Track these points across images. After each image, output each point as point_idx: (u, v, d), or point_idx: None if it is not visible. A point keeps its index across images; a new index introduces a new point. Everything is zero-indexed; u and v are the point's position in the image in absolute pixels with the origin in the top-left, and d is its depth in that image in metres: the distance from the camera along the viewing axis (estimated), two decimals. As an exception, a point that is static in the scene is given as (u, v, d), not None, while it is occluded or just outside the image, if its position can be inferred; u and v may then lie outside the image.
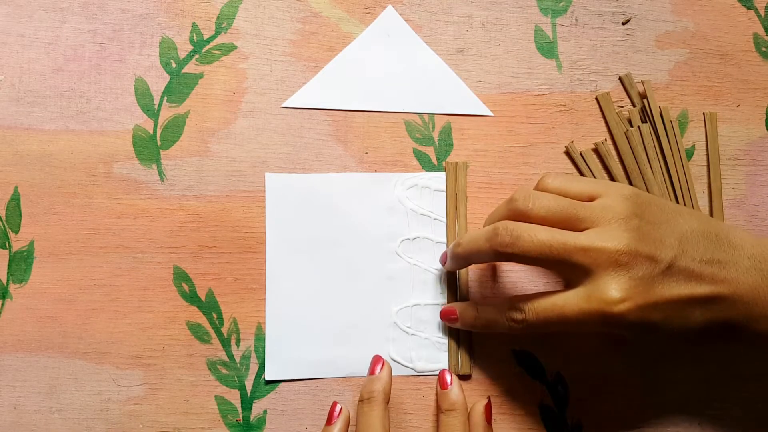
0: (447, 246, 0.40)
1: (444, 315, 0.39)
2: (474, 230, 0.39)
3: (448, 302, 0.40)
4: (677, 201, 0.41)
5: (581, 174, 0.41)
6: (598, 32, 0.43)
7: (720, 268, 0.33)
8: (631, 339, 0.39)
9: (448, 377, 0.37)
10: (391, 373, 0.37)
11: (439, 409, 0.37)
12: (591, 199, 0.34)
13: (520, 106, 0.42)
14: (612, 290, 0.31)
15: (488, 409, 0.37)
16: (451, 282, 0.40)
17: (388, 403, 0.36)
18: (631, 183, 0.41)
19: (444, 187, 0.41)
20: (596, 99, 0.42)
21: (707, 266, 0.32)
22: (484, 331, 0.38)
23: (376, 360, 0.37)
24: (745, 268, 0.33)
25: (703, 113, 0.42)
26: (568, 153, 0.41)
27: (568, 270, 0.33)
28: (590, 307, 0.32)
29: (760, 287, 0.32)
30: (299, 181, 0.41)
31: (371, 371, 0.37)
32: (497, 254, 0.33)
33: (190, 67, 0.41)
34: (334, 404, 0.37)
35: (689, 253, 0.33)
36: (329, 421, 0.36)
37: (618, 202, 0.33)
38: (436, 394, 0.38)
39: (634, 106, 0.42)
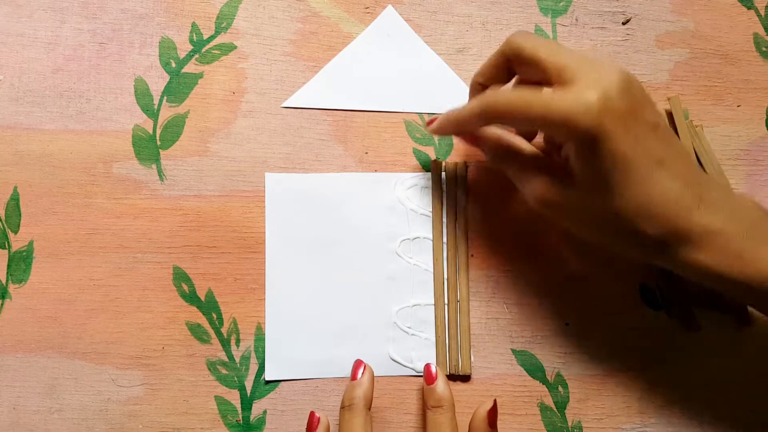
0: (445, 245, 0.40)
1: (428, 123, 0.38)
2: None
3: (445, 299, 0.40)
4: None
5: None
6: (598, 32, 0.43)
7: (698, 168, 0.33)
8: (578, 170, 0.32)
9: (433, 370, 0.37)
10: (372, 377, 0.36)
11: (425, 406, 0.36)
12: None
13: (520, 106, 0.42)
14: (595, 89, 0.30)
15: (492, 414, 0.35)
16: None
17: (369, 408, 0.35)
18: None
19: (445, 188, 0.41)
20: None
21: (687, 157, 0.32)
22: (457, 129, 0.37)
23: (357, 364, 0.37)
24: (718, 187, 0.33)
25: (687, 124, 0.42)
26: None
27: (568, 78, 0.31)
28: (566, 96, 0.30)
29: (728, 203, 0.32)
30: (299, 181, 0.41)
31: (353, 376, 0.36)
32: (506, 54, 0.34)
33: (190, 67, 0.41)
34: (312, 414, 0.36)
35: (674, 139, 0.32)
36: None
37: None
38: (422, 390, 0.38)
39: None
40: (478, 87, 0.36)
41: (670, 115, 0.42)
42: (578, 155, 0.31)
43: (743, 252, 0.31)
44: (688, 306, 0.40)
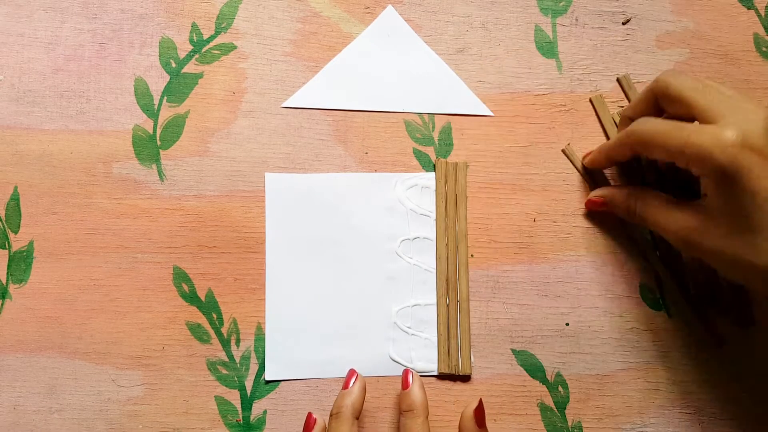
0: (438, 246, 0.40)
1: (591, 206, 0.40)
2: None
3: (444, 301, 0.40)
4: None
5: (580, 171, 0.41)
6: (598, 32, 0.43)
7: None
8: (716, 204, 0.32)
9: (410, 377, 0.37)
10: (364, 387, 0.36)
11: (399, 410, 0.36)
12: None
13: (520, 106, 0.42)
14: (733, 126, 0.30)
15: (479, 413, 0.35)
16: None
17: (357, 417, 0.35)
18: (630, 183, 0.41)
19: (445, 188, 0.41)
20: (590, 101, 0.42)
21: None
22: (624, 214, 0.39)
23: (350, 374, 0.37)
24: None
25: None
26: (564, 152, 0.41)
27: (711, 116, 0.32)
28: (704, 131, 0.31)
29: None
30: (299, 181, 0.41)
31: (344, 385, 0.36)
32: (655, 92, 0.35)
33: (190, 67, 0.41)
34: (309, 415, 0.36)
35: None
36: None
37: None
38: (398, 397, 0.38)
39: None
40: (627, 121, 0.37)
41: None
42: (716, 192, 0.32)
43: None
44: (689, 305, 0.40)
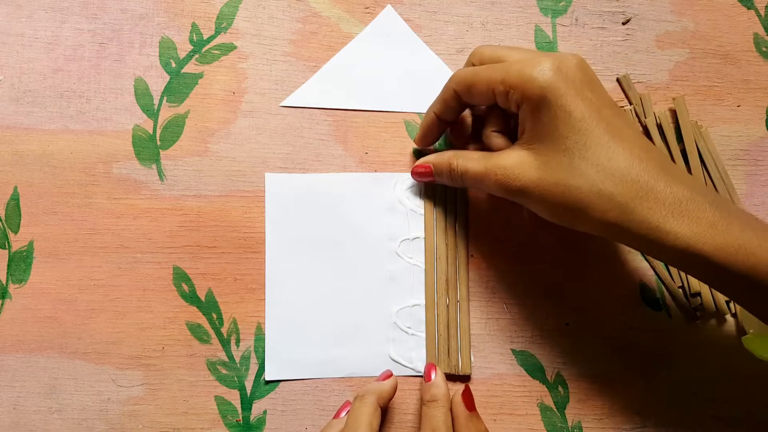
0: (445, 245, 0.40)
1: (417, 173, 0.40)
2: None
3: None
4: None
5: None
6: (598, 32, 0.43)
7: (662, 160, 0.32)
8: (541, 134, 0.33)
9: (433, 373, 0.37)
10: (395, 385, 0.37)
11: (421, 401, 0.37)
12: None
13: (520, 106, 0.42)
14: (547, 64, 0.32)
15: (466, 396, 0.36)
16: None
17: (382, 406, 0.36)
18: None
19: (445, 188, 0.41)
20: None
21: (644, 141, 0.33)
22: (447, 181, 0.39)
23: (387, 373, 0.38)
24: (682, 181, 0.32)
25: (692, 124, 0.42)
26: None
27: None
28: (520, 67, 0.33)
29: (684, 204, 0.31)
30: (299, 181, 0.41)
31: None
32: (453, 90, 0.37)
33: (190, 67, 0.41)
34: (347, 403, 0.38)
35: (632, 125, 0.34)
36: (336, 416, 0.37)
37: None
38: (421, 389, 0.38)
39: (630, 104, 0.42)
40: (433, 118, 0.39)
41: (674, 113, 0.42)
42: (532, 118, 0.33)
43: (715, 221, 0.30)
44: (688, 299, 0.40)
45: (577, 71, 0.32)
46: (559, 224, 0.34)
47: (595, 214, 0.32)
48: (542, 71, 0.32)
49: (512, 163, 0.34)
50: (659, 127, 0.41)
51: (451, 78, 0.37)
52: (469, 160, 0.36)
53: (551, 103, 0.32)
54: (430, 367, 0.38)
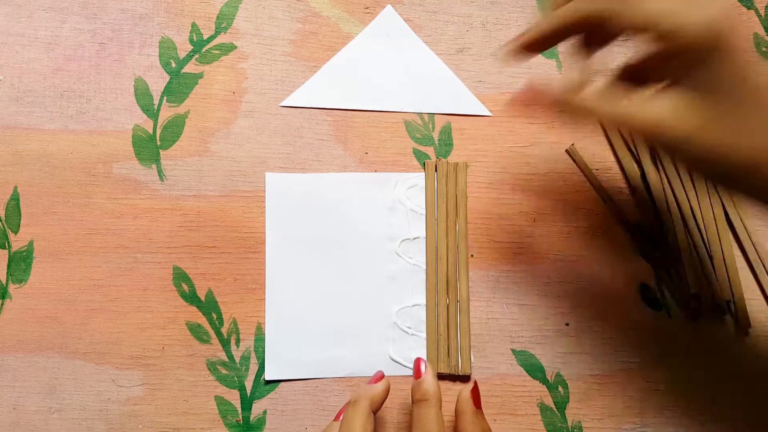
0: (446, 245, 0.40)
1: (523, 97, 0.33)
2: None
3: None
4: (686, 199, 0.41)
5: (584, 170, 0.41)
6: (598, 32, 0.43)
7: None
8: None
9: (422, 366, 0.36)
10: (388, 388, 0.36)
11: (412, 400, 0.36)
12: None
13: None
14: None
15: (475, 393, 0.35)
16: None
17: (375, 412, 0.35)
18: (630, 183, 0.41)
19: (445, 188, 0.41)
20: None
21: None
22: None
23: (379, 374, 0.37)
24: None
25: None
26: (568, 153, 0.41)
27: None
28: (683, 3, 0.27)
29: None
30: (299, 181, 0.41)
31: (370, 382, 0.36)
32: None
33: (190, 67, 0.41)
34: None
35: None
36: (337, 417, 0.36)
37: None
38: (411, 386, 0.37)
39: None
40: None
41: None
42: (691, 70, 0.28)
43: None
44: (688, 299, 0.40)
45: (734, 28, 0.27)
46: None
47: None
48: (711, 17, 0.27)
49: (667, 112, 0.29)
50: None
51: (575, 6, 0.30)
52: (607, 94, 0.31)
53: (719, 56, 0.27)
54: (418, 362, 0.36)
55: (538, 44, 0.33)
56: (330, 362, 0.39)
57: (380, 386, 0.36)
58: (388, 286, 0.40)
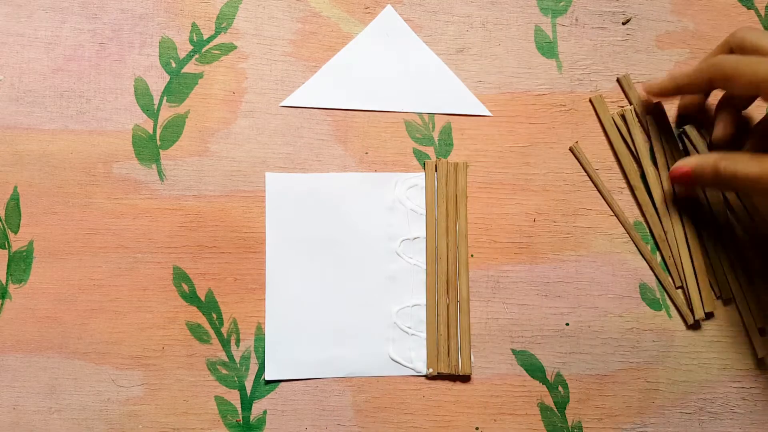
0: (446, 246, 0.40)
1: (677, 175, 0.38)
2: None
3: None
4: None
5: (586, 168, 0.41)
6: (598, 32, 0.43)
7: None
8: None
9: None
10: None
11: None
12: None
13: (520, 106, 0.42)
14: None
15: None
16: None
17: None
18: (629, 183, 0.41)
19: (445, 188, 0.41)
20: (590, 101, 0.42)
21: None
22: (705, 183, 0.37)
23: None
24: None
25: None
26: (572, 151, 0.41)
27: None
28: None
29: None
30: (299, 181, 0.41)
31: None
32: (709, 81, 0.34)
33: (190, 67, 0.41)
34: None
35: None
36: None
37: None
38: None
39: (630, 104, 0.42)
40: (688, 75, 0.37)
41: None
42: None
43: None
44: (688, 299, 0.40)
45: None
46: None
47: None
48: None
49: None
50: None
51: (709, 62, 0.34)
52: (738, 162, 0.34)
53: None
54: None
55: (662, 95, 0.39)
56: (330, 362, 0.39)
57: None
58: (388, 286, 0.40)
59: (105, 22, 0.41)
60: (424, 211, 0.41)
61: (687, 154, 0.41)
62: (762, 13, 0.43)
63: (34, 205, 0.40)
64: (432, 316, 0.40)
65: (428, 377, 0.39)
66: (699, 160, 0.36)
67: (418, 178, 0.41)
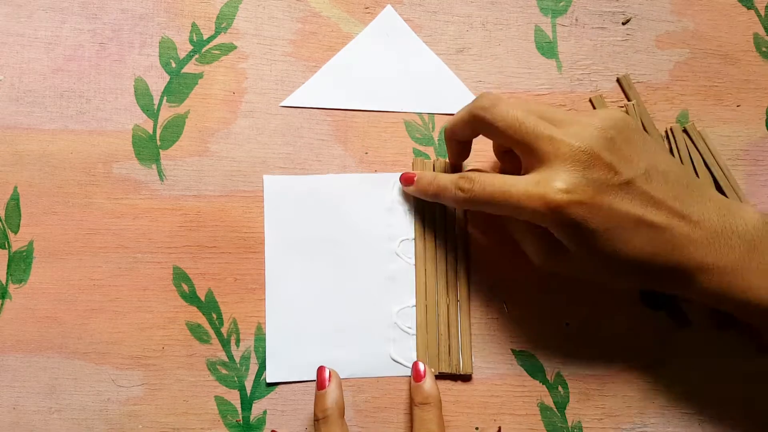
0: (446, 246, 0.40)
1: (403, 178, 0.39)
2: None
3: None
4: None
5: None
6: (598, 32, 0.43)
7: (683, 205, 0.32)
8: (567, 245, 0.33)
9: (421, 368, 0.37)
10: (340, 383, 0.37)
11: (412, 402, 0.37)
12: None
13: (520, 106, 0.42)
14: (560, 180, 0.31)
15: None
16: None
17: (343, 416, 0.35)
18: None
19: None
20: (590, 101, 0.42)
21: (670, 199, 0.32)
22: (434, 199, 0.38)
23: (322, 372, 0.37)
24: (709, 217, 0.32)
25: (688, 127, 0.42)
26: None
27: (529, 154, 0.33)
28: (535, 191, 0.31)
29: (719, 236, 0.32)
30: (298, 182, 0.41)
31: (320, 386, 0.36)
32: (472, 117, 0.34)
33: (190, 67, 0.41)
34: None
35: (654, 182, 0.32)
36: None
37: (603, 116, 0.33)
38: (410, 387, 0.38)
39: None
40: (451, 139, 0.38)
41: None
42: (559, 236, 0.33)
43: (740, 282, 0.32)
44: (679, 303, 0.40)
45: (587, 184, 0.31)
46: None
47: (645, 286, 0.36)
48: (555, 210, 0.31)
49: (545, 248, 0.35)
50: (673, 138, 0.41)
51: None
52: (477, 179, 0.35)
53: (573, 231, 0.32)
54: (417, 365, 0.37)
55: (454, 157, 0.39)
56: (330, 363, 0.39)
57: (335, 388, 0.36)
58: (388, 286, 0.40)
59: (105, 22, 0.41)
60: (425, 211, 0.41)
61: (672, 153, 0.41)
62: (762, 13, 0.43)
63: (34, 205, 0.40)
64: (432, 317, 0.40)
65: (440, 377, 0.39)
66: (434, 174, 0.38)
67: (418, 178, 0.41)
